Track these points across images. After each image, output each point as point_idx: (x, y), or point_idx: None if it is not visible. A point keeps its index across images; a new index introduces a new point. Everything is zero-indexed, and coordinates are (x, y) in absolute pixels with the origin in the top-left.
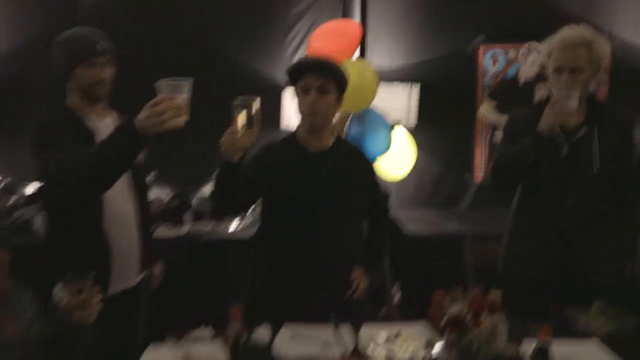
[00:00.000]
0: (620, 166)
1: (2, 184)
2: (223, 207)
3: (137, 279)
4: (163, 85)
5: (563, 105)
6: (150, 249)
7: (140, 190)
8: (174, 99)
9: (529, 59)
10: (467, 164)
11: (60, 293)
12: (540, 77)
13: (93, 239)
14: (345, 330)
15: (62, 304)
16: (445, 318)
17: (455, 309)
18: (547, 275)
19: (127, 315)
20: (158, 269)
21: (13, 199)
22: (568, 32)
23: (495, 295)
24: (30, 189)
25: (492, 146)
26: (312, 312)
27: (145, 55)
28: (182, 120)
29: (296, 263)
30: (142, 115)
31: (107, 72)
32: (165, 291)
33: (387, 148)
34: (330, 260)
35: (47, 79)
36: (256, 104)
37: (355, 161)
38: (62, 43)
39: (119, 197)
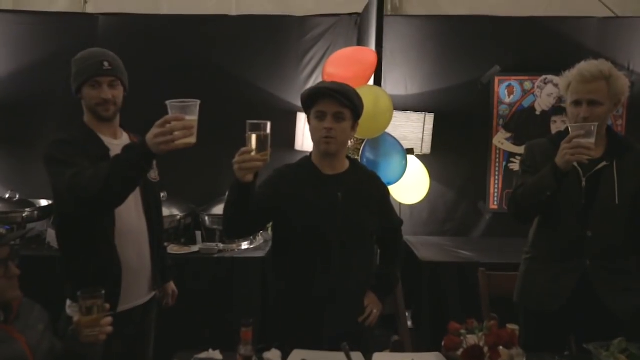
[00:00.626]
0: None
1: (17, 197)
2: (234, 228)
3: (148, 297)
4: (173, 105)
5: (579, 143)
6: (164, 266)
7: (153, 207)
8: (183, 119)
9: (545, 91)
10: (481, 193)
11: (71, 310)
12: (557, 109)
13: (104, 254)
14: (357, 358)
15: (73, 322)
16: (461, 350)
17: (471, 340)
18: (564, 308)
19: (135, 334)
20: (170, 288)
21: (26, 212)
22: (586, 66)
23: (512, 328)
24: (44, 202)
25: (506, 175)
26: (323, 338)
27: (160, 78)
28: (191, 140)
29: (308, 287)
30: (152, 133)
31: (111, 93)
32: (174, 310)
33: (401, 175)
34: (342, 284)
35: (62, 97)
36: (268, 127)
37: (370, 185)
38: (74, 62)
39: (131, 214)
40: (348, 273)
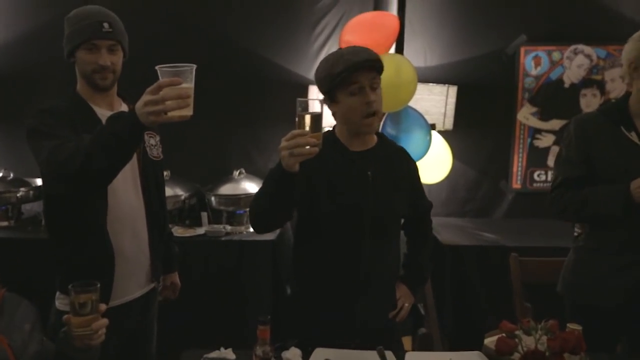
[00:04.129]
0: None
1: (11, 176)
2: (267, 222)
3: (147, 289)
4: (164, 71)
5: None
6: (170, 255)
7: (153, 189)
8: (177, 86)
9: (575, 62)
10: (504, 171)
11: (60, 302)
12: (587, 82)
13: (95, 241)
14: (388, 358)
15: (63, 319)
16: (519, 355)
17: (528, 342)
18: (621, 304)
19: (135, 329)
20: (171, 279)
21: (21, 192)
22: None
23: (575, 328)
24: (40, 181)
25: (531, 153)
26: (353, 334)
27: (164, 46)
28: (187, 112)
29: (334, 274)
30: (142, 100)
31: (110, 59)
32: (179, 300)
33: (425, 152)
34: (374, 273)
35: (60, 68)
36: (320, 106)
37: (400, 162)
38: (68, 20)
39: (127, 196)
40: (381, 260)
